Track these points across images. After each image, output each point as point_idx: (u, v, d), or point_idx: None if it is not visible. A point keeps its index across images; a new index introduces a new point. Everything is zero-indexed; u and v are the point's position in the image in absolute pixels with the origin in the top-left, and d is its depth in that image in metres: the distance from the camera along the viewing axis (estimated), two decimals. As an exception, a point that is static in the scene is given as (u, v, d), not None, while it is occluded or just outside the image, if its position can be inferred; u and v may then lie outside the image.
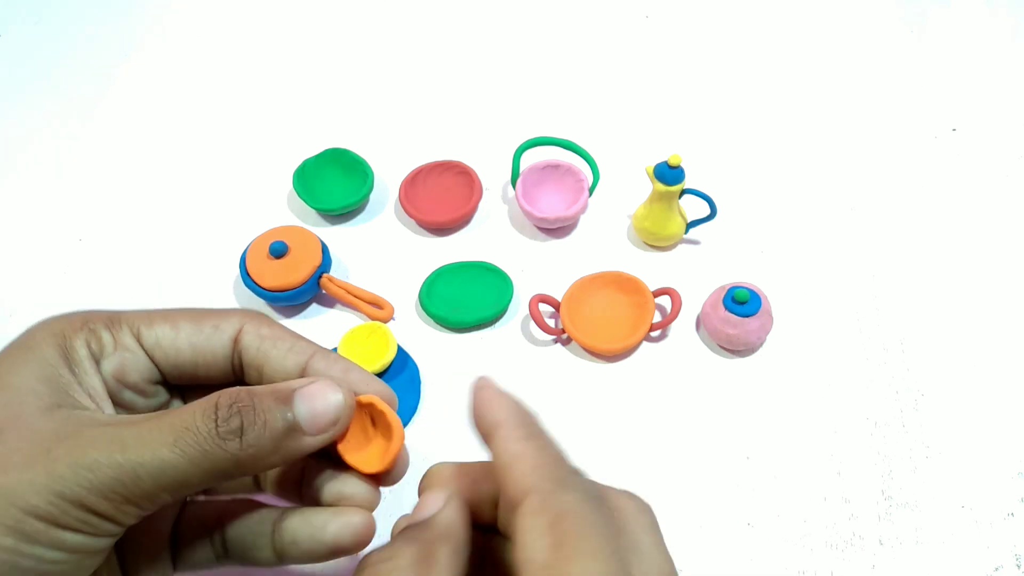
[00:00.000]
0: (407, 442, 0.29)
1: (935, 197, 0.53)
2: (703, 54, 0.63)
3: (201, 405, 0.24)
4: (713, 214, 0.49)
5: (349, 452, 0.28)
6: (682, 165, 0.46)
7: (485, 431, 0.25)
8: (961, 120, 0.58)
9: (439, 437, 0.42)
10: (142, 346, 0.28)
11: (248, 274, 0.46)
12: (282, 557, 0.28)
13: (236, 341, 0.29)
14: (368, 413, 0.28)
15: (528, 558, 0.21)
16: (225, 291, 0.49)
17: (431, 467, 0.27)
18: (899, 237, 0.51)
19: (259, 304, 0.48)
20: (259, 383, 0.29)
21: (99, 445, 0.23)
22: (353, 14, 0.67)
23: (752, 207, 0.52)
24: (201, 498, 0.31)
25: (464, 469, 0.27)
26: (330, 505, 0.28)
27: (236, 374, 0.29)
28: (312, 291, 0.47)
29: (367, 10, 0.67)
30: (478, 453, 0.26)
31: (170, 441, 0.23)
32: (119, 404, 0.28)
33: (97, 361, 0.27)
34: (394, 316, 0.47)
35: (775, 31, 0.64)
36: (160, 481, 0.23)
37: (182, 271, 0.50)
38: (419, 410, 0.43)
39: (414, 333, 0.47)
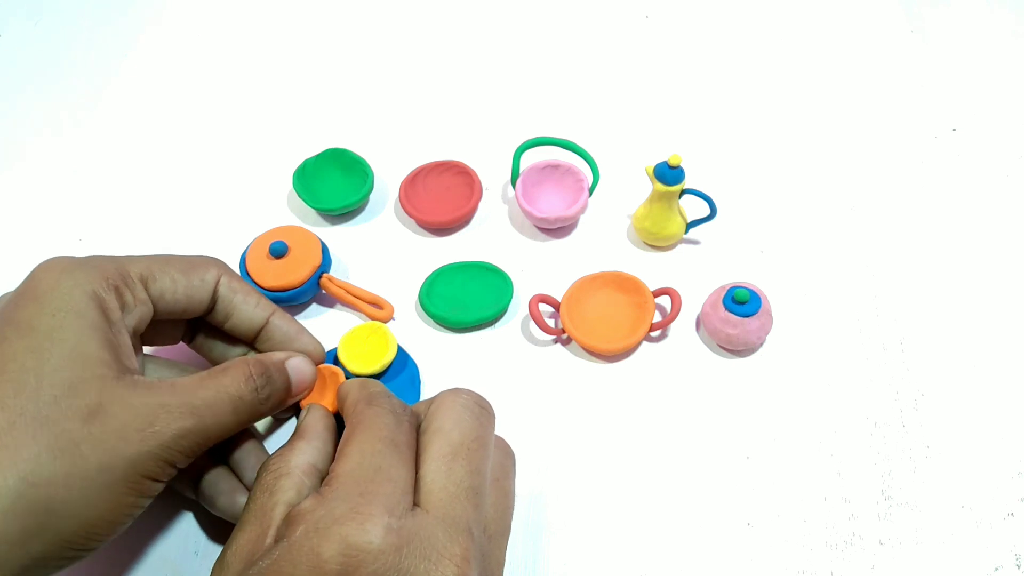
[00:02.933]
0: None
1: (935, 197, 0.53)
2: (703, 54, 0.63)
3: (240, 375, 0.32)
4: (713, 214, 0.49)
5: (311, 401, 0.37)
6: (682, 165, 0.46)
7: (342, 399, 0.35)
8: (961, 120, 0.58)
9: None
10: (150, 297, 0.33)
11: (248, 274, 0.46)
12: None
13: (214, 290, 0.36)
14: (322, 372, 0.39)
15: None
16: (225, 291, 0.49)
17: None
18: (899, 237, 0.51)
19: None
20: (223, 323, 0.37)
21: (184, 417, 0.29)
22: (353, 14, 0.67)
23: (752, 207, 0.52)
24: None
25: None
26: None
27: (204, 314, 0.36)
28: (312, 291, 0.47)
29: (367, 10, 0.67)
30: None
31: (230, 409, 0.31)
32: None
33: (122, 316, 0.31)
34: (394, 316, 0.47)
35: (775, 31, 0.64)
36: (219, 437, 0.31)
37: (182, 271, 0.50)
38: (419, 410, 0.43)
39: (414, 333, 0.47)
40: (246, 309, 0.37)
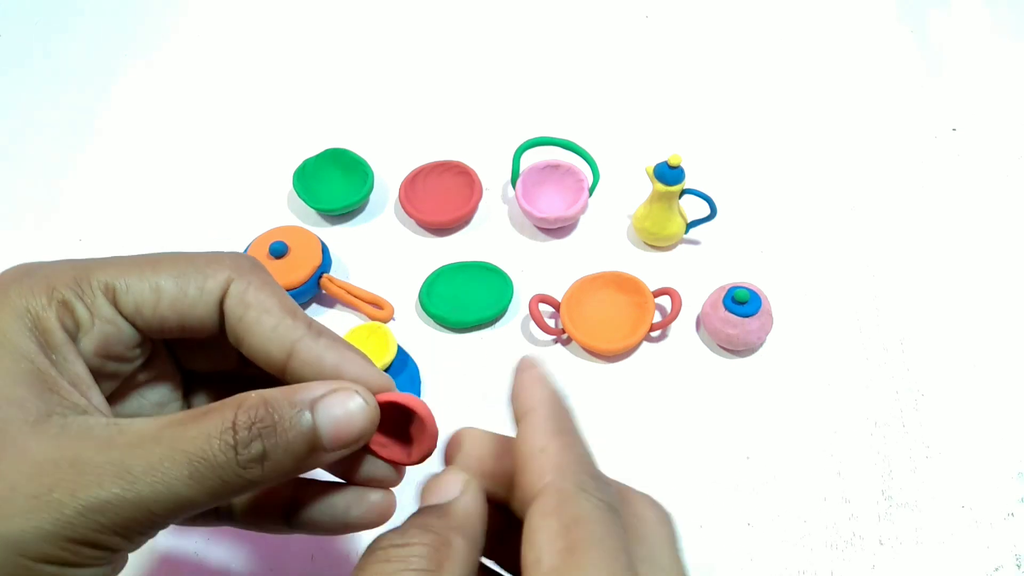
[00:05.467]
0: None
1: (935, 197, 0.53)
2: (703, 54, 0.63)
3: (216, 426, 0.22)
4: (713, 214, 0.49)
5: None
6: (682, 165, 0.46)
7: (517, 416, 0.23)
8: (961, 120, 0.58)
9: (439, 436, 0.42)
10: (121, 313, 0.25)
11: (248, 274, 0.46)
12: (293, 527, 0.28)
13: (222, 302, 0.26)
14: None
15: (536, 559, 0.20)
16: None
17: (459, 431, 0.26)
18: (899, 237, 0.51)
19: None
20: (241, 350, 0.26)
21: (106, 481, 0.21)
22: (353, 14, 0.67)
23: (752, 207, 0.52)
24: None
25: (492, 440, 0.25)
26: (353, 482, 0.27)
27: (217, 333, 0.27)
28: (312, 291, 0.47)
29: (367, 10, 0.67)
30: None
31: (185, 475, 0.21)
32: (102, 376, 0.25)
33: (73, 338, 0.24)
34: (394, 316, 0.47)
35: (775, 31, 0.64)
36: (173, 512, 0.22)
37: (182, 271, 0.50)
38: (419, 410, 0.43)
39: (414, 333, 0.47)
40: (260, 333, 0.25)
